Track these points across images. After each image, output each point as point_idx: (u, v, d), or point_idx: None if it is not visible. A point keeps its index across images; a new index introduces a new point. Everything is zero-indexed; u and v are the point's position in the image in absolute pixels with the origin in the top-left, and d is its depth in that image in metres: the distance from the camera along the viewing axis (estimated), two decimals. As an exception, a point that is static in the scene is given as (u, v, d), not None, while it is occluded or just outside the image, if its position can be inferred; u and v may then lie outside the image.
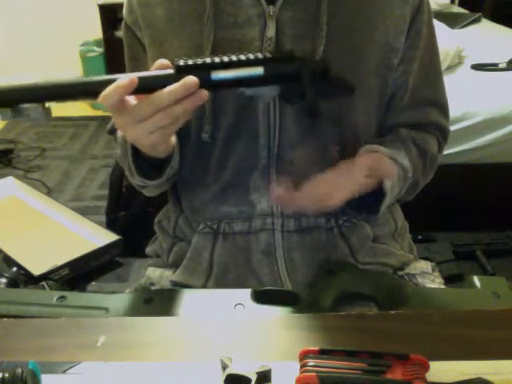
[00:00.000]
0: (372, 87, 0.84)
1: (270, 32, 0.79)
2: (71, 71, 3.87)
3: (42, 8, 3.74)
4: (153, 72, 0.67)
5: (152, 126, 0.66)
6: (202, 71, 0.65)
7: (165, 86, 0.64)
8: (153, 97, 0.64)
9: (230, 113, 0.82)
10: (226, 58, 0.66)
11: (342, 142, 0.84)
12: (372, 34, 0.82)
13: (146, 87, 0.65)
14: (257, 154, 0.84)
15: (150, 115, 0.65)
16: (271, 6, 0.79)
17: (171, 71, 0.66)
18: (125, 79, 0.63)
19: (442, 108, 0.92)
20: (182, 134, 0.84)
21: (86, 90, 0.67)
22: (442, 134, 0.93)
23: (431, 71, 0.90)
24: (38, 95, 0.67)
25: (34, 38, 3.79)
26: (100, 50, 3.66)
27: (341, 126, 0.83)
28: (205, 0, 0.80)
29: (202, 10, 0.80)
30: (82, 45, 3.70)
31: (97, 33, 3.60)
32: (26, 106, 0.67)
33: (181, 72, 0.65)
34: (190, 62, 0.66)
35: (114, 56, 3.39)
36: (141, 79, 0.64)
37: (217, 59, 0.66)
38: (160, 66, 0.67)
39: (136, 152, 0.78)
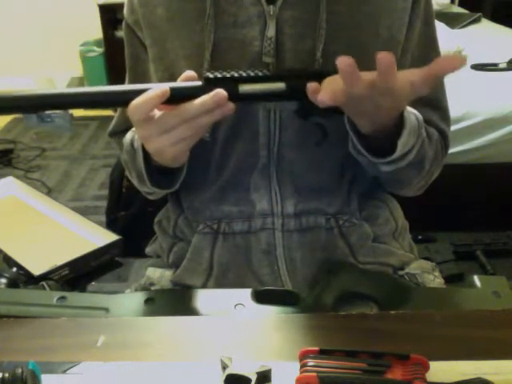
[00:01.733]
0: None
1: (271, 31, 0.79)
2: (71, 71, 3.87)
3: (41, 8, 3.74)
4: (181, 83, 0.69)
5: (176, 137, 0.67)
6: (230, 84, 0.68)
7: (192, 98, 0.66)
8: (180, 108, 0.65)
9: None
10: (251, 73, 0.69)
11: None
12: (376, 30, 0.81)
13: (174, 98, 0.66)
14: (257, 153, 0.84)
15: (176, 126, 0.66)
16: (271, 6, 0.79)
17: (200, 83, 0.68)
18: (157, 90, 0.65)
19: (441, 111, 0.90)
20: None
21: (116, 99, 0.69)
22: (442, 137, 0.91)
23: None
24: (65, 102, 0.69)
25: (34, 37, 3.79)
26: (100, 49, 3.66)
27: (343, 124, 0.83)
28: None
29: (202, 10, 0.80)
30: (82, 45, 3.70)
31: (97, 33, 3.61)
32: (52, 112, 0.69)
33: (209, 84, 0.67)
34: (219, 74, 0.68)
35: (114, 56, 3.40)
36: (173, 90, 0.66)
37: (243, 73, 0.69)
38: (187, 78, 0.69)
39: (147, 161, 0.78)
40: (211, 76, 0.68)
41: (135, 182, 0.86)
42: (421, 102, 0.88)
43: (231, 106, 0.67)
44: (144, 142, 0.71)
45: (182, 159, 0.75)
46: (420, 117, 0.78)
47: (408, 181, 0.86)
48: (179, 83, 0.69)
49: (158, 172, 0.79)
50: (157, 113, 0.67)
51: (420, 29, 0.85)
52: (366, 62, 0.82)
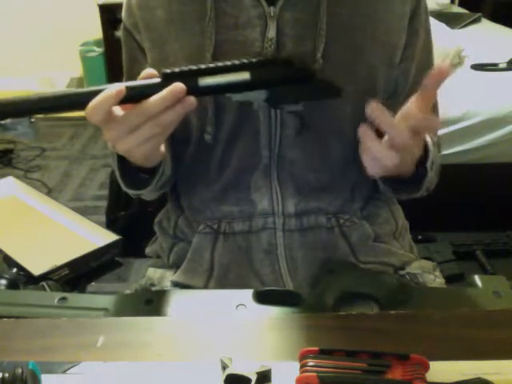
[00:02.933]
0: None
1: (271, 33, 0.79)
2: (71, 71, 3.87)
3: (41, 8, 3.74)
4: (139, 81, 0.67)
5: (143, 136, 0.65)
6: (189, 78, 0.65)
7: (152, 95, 0.64)
8: (141, 106, 0.63)
9: (231, 113, 0.82)
10: (211, 65, 0.67)
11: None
12: (373, 33, 0.82)
13: (133, 97, 0.64)
14: (258, 153, 0.84)
15: (140, 125, 0.64)
16: (272, 7, 0.79)
17: (158, 80, 0.66)
18: (112, 89, 0.62)
19: (436, 112, 0.91)
20: (183, 135, 0.84)
21: (72, 102, 0.66)
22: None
23: (426, 72, 0.89)
24: (23, 109, 0.66)
25: (34, 37, 3.78)
26: (100, 49, 3.66)
27: (343, 125, 0.83)
28: (205, 1, 0.80)
29: (202, 12, 0.80)
30: (82, 45, 3.70)
31: (97, 33, 3.60)
32: (12, 120, 0.67)
33: (168, 80, 0.65)
34: (177, 69, 0.66)
35: (114, 56, 3.37)
36: (127, 89, 0.64)
37: (203, 66, 0.66)
38: (147, 76, 0.67)
39: (123, 162, 0.77)
40: (168, 71, 0.65)
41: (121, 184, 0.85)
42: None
43: (191, 100, 0.64)
44: (112, 143, 0.68)
45: (154, 158, 0.73)
46: (435, 139, 0.81)
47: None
48: (137, 81, 0.67)
49: (134, 172, 0.78)
50: (120, 113, 0.65)
51: (423, 36, 0.86)
52: (364, 64, 0.82)
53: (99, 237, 1.87)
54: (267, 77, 0.67)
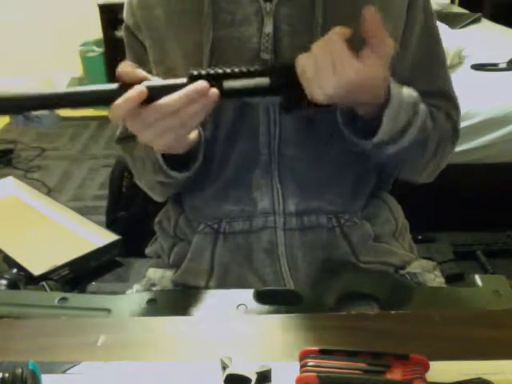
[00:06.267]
0: None
1: (268, 28, 0.80)
2: (71, 71, 3.87)
3: (42, 8, 3.74)
4: (166, 81, 0.69)
5: (160, 129, 0.68)
6: (214, 80, 0.68)
7: None
8: (159, 103, 0.66)
9: (230, 111, 0.82)
10: (236, 69, 0.70)
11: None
12: None
13: (158, 97, 0.67)
14: (258, 151, 0.84)
15: (156, 120, 0.67)
16: (268, 3, 0.80)
17: (184, 80, 0.69)
18: (134, 92, 0.65)
19: (448, 100, 0.89)
20: None
21: (97, 99, 0.69)
22: (451, 122, 0.88)
23: (428, 61, 0.88)
24: (49, 103, 0.70)
25: (34, 37, 3.78)
26: (100, 49, 3.66)
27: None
28: None
29: (200, 9, 0.81)
30: (82, 45, 3.70)
31: (97, 33, 3.60)
32: (37, 113, 0.70)
33: (194, 81, 0.68)
34: (203, 71, 0.69)
35: (114, 56, 3.39)
36: (153, 89, 0.67)
37: (228, 69, 0.70)
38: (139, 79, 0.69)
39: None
40: (195, 73, 0.69)
41: (149, 174, 0.85)
42: (428, 93, 0.86)
43: (215, 92, 0.67)
44: (135, 134, 0.71)
45: (175, 148, 0.75)
46: (414, 94, 0.77)
47: (412, 161, 0.85)
48: (164, 81, 0.70)
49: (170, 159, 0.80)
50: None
51: (422, 23, 0.85)
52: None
53: (99, 237, 1.86)
54: (286, 83, 0.70)
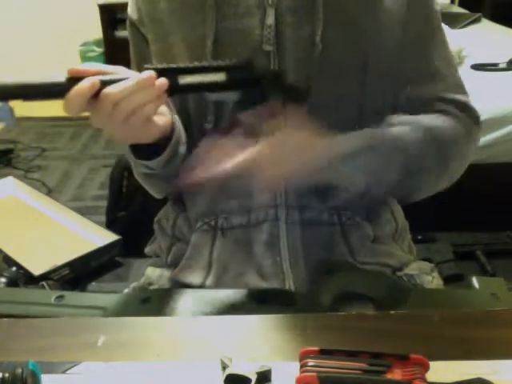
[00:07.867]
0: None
1: (270, 19, 0.81)
2: (71, 71, 3.87)
3: (41, 8, 3.74)
4: (119, 75, 0.69)
5: (116, 119, 0.67)
6: (170, 75, 0.70)
7: None
8: (107, 90, 0.66)
9: (228, 106, 0.82)
10: (191, 65, 0.72)
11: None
12: (374, 12, 0.82)
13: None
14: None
15: (111, 109, 0.66)
16: None
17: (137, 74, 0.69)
18: (85, 83, 0.65)
19: (445, 81, 0.86)
20: (183, 122, 0.85)
21: (52, 91, 0.68)
22: (460, 109, 0.86)
23: (423, 40, 0.86)
24: (2, 94, 0.70)
25: (34, 37, 3.78)
26: (100, 50, 3.66)
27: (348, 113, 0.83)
28: None
29: (203, 2, 0.82)
30: (82, 45, 3.70)
31: (97, 33, 3.60)
32: None
33: None
34: (158, 66, 0.70)
35: (114, 56, 3.39)
36: (105, 82, 0.67)
37: (182, 65, 0.72)
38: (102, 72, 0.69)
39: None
40: (150, 68, 0.69)
41: (135, 172, 0.86)
42: (416, 79, 0.85)
43: (163, 81, 0.68)
44: (101, 128, 0.71)
45: (142, 137, 0.74)
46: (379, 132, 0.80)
47: (418, 188, 0.86)
48: (117, 75, 0.69)
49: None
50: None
51: (419, 10, 0.85)
52: (364, 46, 0.82)
53: (99, 237, 1.87)
54: (241, 79, 0.72)
